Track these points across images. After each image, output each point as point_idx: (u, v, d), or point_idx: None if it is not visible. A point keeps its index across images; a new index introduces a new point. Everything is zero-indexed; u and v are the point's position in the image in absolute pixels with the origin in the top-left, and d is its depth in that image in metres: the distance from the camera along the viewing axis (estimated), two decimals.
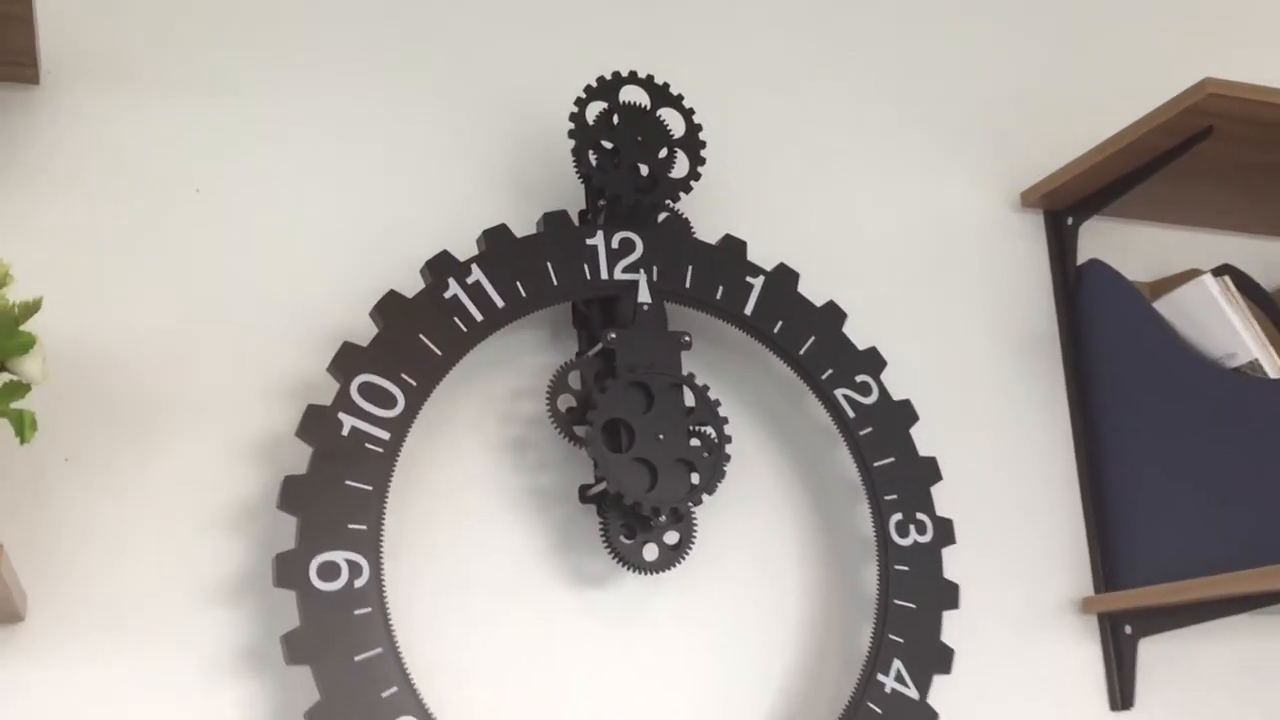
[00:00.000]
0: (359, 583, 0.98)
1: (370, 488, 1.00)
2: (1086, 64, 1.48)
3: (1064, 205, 1.40)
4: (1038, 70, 1.45)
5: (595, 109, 1.13)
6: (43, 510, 0.97)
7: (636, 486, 1.06)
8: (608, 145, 1.13)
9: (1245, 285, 1.36)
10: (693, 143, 1.16)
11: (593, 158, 1.12)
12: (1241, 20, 1.59)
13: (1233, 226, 1.48)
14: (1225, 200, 1.42)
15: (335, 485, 0.99)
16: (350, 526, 0.98)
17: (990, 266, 1.36)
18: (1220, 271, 1.36)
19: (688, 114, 1.16)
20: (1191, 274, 1.37)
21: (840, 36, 1.37)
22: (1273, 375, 1.18)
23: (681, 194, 1.14)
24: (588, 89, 1.13)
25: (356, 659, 0.96)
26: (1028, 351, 1.35)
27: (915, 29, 1.41)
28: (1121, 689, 1.26)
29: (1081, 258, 1.38)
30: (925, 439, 1.21)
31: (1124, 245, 1.43)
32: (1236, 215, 1.45)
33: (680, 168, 1.15)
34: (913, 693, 1.11)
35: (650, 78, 1.15)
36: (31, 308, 0.81)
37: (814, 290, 1.20)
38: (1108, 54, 1.50)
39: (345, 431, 1.00)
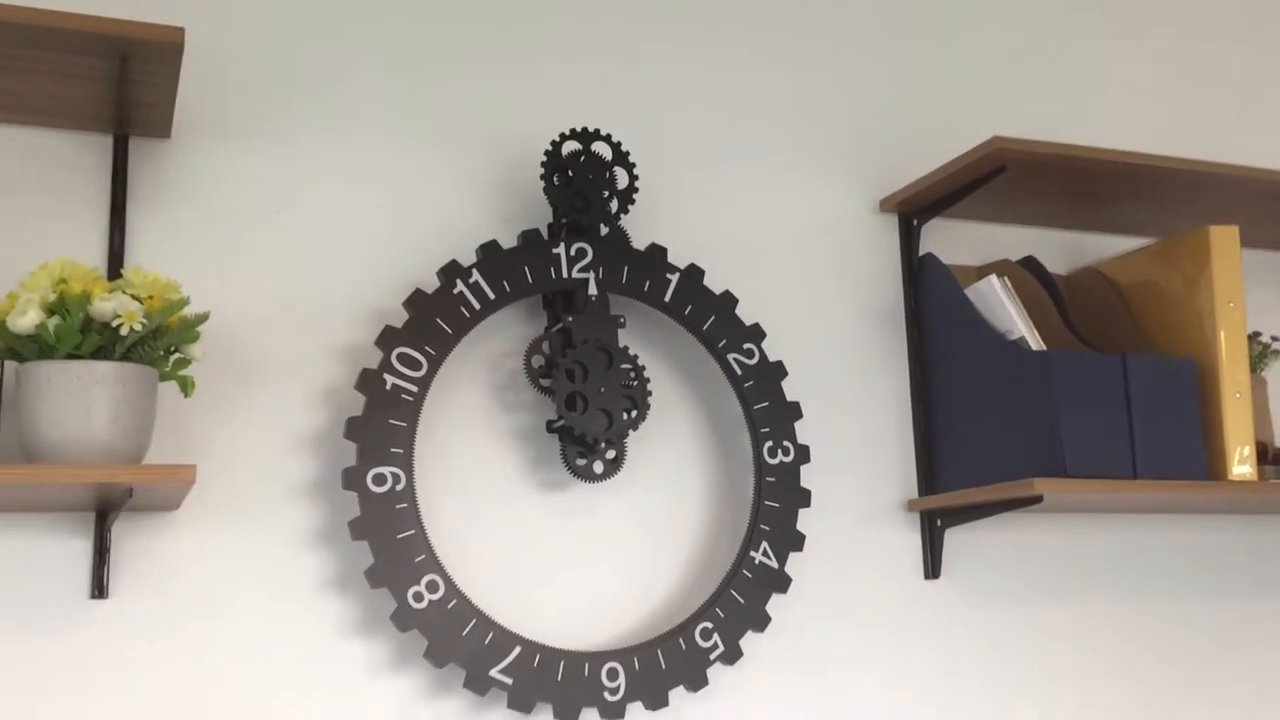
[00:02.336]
0: (399, 488, 1.46)
1: (405, 424, 1.48)
2: (930, 100, 1.93)
3: (911, 210, 1.86)
4: (894, 106, 1.90)
5: (558, 156, 1.59)
6: (183, 437, 1.45)
7: (586, 423, 1.55)
8: (568, 181, 1.59)
9: (1039, 272, 1.84)
10: (628, 178, 1.62)
11: (557, 191, 1.58)
12: (1037, 70, 2.03)
13: (1039, 223, 1.94)
14: (1032, 205, 1.88)
15: (381, 422, 1.47)
16: (393, 450, 1.47)
17: (854, 258, 1.84)
18: (1024, 263, 1.84)
19: (624, 157, 1.62)
20: (1002, 264, 1.84)
21: (740, 82, 1.82)
22: (1035, 348, 1.67)
23: (620, 216, 1.61)
24: (553, 142, 1.58)
25: (398, 537, 1.45)
26: (880, 323, 1.83)
27: (800, 75, 1.86)
28: (932, 564, 1.76)
29: (923, 251, 1.85)
30: (795, 389, 1.69)
31: (958, 240, 1.89)
32: (1040, 215, 1.92)
33: (621, 181, 1.62)
34: (774, 564, 1.62)
35: (597, 131, 1.61)
36: (202, 317, 1.28)
37: (715, 282, 1.68)
38: (946, 92, 1.95)
39: (388, 387, 1.48)
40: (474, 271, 1.55)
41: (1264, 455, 1.76)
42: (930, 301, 1.81)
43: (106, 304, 1.20)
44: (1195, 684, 1.87)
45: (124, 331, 1.21)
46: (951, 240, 1.88)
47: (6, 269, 1.41)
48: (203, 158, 1.53)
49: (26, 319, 1.19)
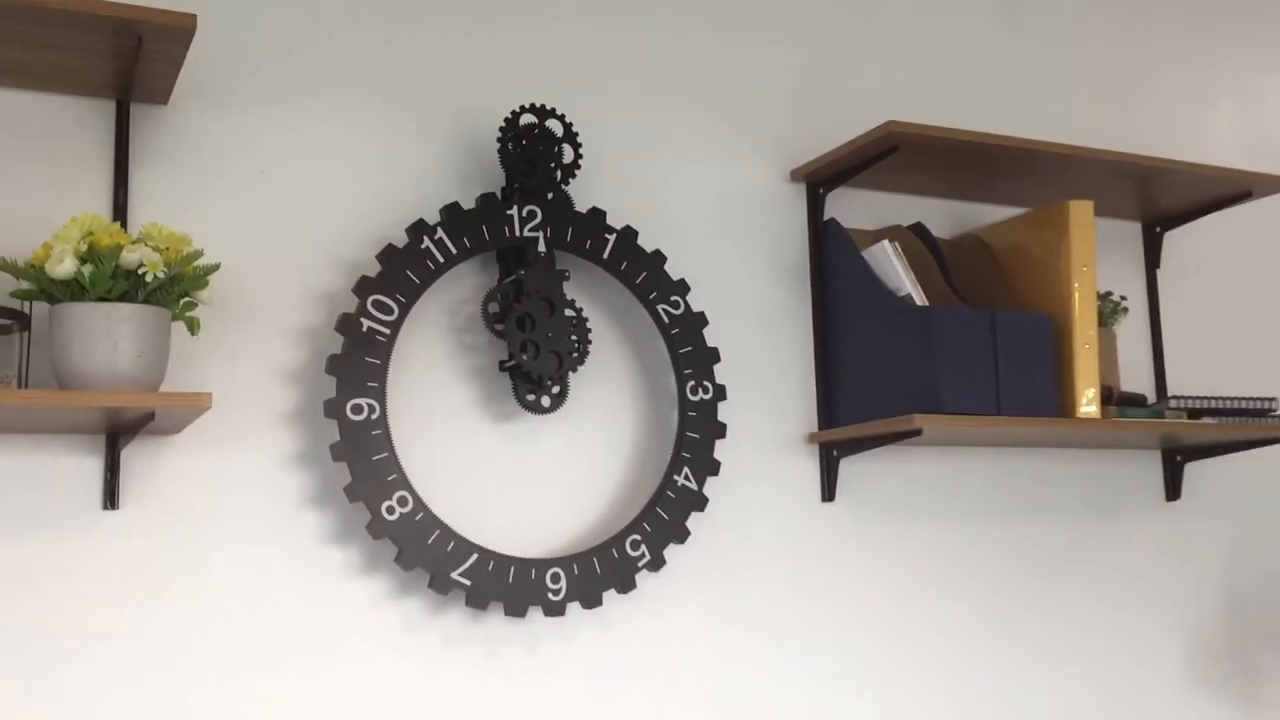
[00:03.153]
0: (374, 416, 1.69)
1: (379, 361, 1.70)
2: (837, 82, 2.18)
3: (818, 180, 2.11)
4: (806, 87, 2.15)
5: (515, 128, 1.81)
6: (185, 371, 1.65)
7: (535, 364, 1.78)
8: (521, 149, 1.82)
9: (926, 237, 2.11)
10: (573, 154, 1.85)
11: (512, 159, 1.81)
12: (932, 55, 2.30)
13: (928, 193, 2.22)
14: (922, 179, 2.15)
15: (358, 359, 1.69)
16: (368, 384, 1.69)
17: (768, 221, 2.09)
18: (914, 229, 2.12)
19: (572, 135, 1.85)
20: (894, 229, 2.11)
21: (674, 64, 2.05)
22: (919, 304, 1.94)
23: (565, 183, 1.84)
24: (510, 115, 1.81)
25: (372, 459, 1.68)
26: (788, 279, 2.09)
27: (723, 58, 2.09)
28: (828, 489, 2.04)
29: (827, 216, 2.11)
30: (714, 336, 1.95)
31: (858, 207, 2.16)
32: (929, 187, 2.19)
33: (567, 156, 1.84)
34: (694, 486, 1.88)
35: (553, 110, 1.83)
36: (212, 268, 1.48)
37: (647, 241, 1.92)
38: (851, 75, 2.20)
39: (364, 329, 1.70)
40: (438, 229, 1.77)
41: (1109, 397, 2.07)
42: (832, 261, 2.07)
43: (133, 255, 1.40)
44: (1048, 589, 2.19)
45: (148, 279, 1.41)
46: (852, 207, 2.14)
47: (20, 220, 1.59)
48: (197, 122, 1.72)
49: (64, 267, 1.38)
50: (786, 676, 1.96)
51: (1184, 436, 2.18)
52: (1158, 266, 2.39)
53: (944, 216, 2.23)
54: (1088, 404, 1.98)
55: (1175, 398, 2.14)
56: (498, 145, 1.81)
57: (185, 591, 1.63)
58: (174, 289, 1.46)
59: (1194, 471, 2.34)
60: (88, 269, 1.40)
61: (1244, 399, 2.15)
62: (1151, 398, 2.29)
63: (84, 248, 1.41)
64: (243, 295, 1.70)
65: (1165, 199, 2.30)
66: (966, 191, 2.23)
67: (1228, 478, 2.38)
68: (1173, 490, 2.33)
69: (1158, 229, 2.40)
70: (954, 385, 1.88)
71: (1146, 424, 2.05)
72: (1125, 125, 2.42)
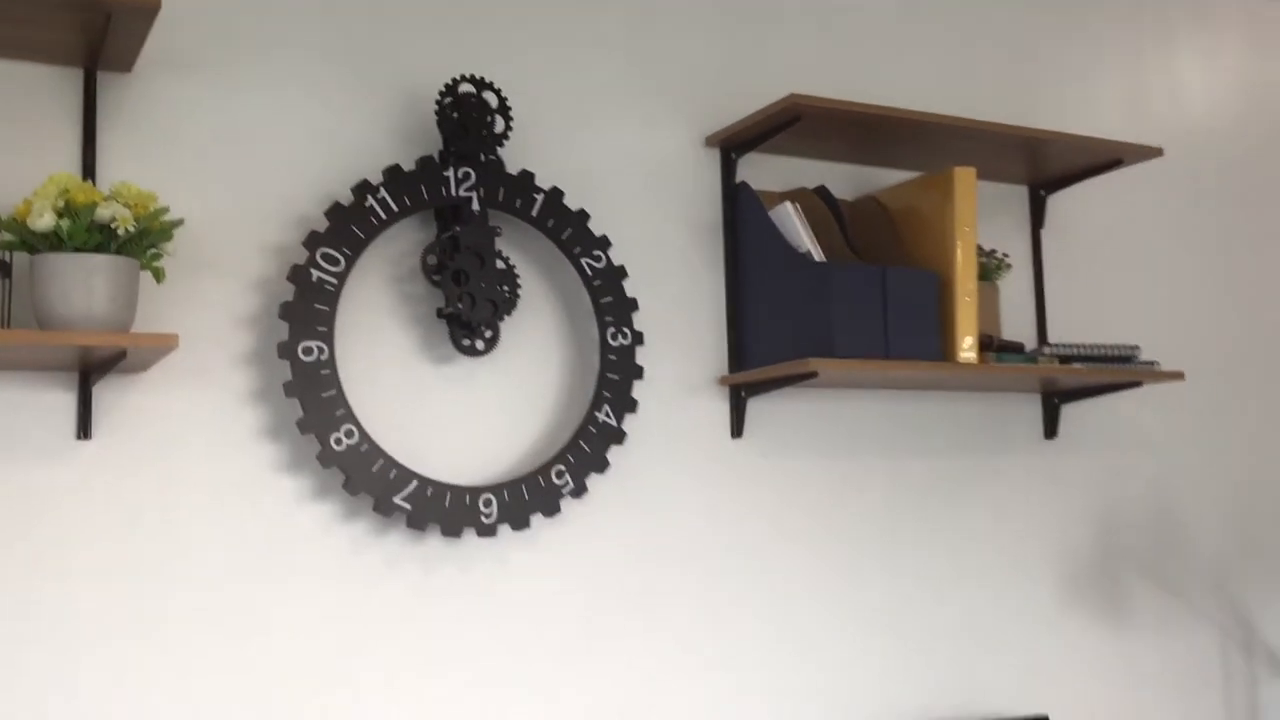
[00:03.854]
0: (323, 357, 1.88)
1: (327, 308, 1.89)
2: (749, 54, 2.38)
3: (730, 145, 2.31)
4: (720, 58, 2.34)
5: (452, 97, 1.99)
6: (151, 315, 1.82)
7: (469, 311, 1.98)
8: (457, 117, 2.00)
9: (828, 198, 2.33)
10: (504, 123, 2.04)
11: (449, 125, 1.99)
12: (838, 30, 2.50)
13: (831, 158, 2.42)
14: (824, 145, 2.35)
15: (308, 306, 1.88)
16: (318, 328, 1.88)
17: (684, 183, 2.29)
18: (817, 191, 2.33)
19: (505, 106, 2.03)
20: (799, 191, 2.32)
21: (599, 36, 2.23)
22: (817, 260, 2.16)
23: (498, 146, 2.03)
24: (448, 84, 1.99)
25: (322, 395, 1.87)
26: (702, 236, 2.29)
27: (644, 31, 2.28)
28: (737, 426, 2.26)
29: (739, 179, 2.31)
30: (633, 287, 2.15)
31: (767, 170, 2.36)
32: (831, 152, 2.39)
33: (498, 125, 2.03)
34: (614, 422, 2.09)
35: (491, 83, 2.01)
36: (177, 223, 1.66)
37: (572, 201, 2.12)
38: (763, 48, 2.40)
39: (313, 279, 1.89)
40: (380, 189, 1.95)
41: (988, 344, 2.30)
42: (742, 220, 2.28)
43: (106, 210, 1.58)
44: (936, 518, 2.44)
45: (120, 232, 1.59)
46: (762, 171, 2.35)
47: None
48: (159, 89, 1.88)
49: (44, 220, 1.55)
50: (697, 593, 2.19)
51: (1059, 380, 2.43)
52: (1041, 226, 2.63)
53: (846, 179, 2.44)
54: (967, 350, 2.21)
55: (1050, 345, 2.38)
56: (436, 112, 1.99)
57: (153, 514, 1.82)
58: (142, 242, 1.64)
59: (1069, 412, 2.60)
60: (65, 223, 1.57)
61: (1111, 346, 2.39)
62: (1032, 346, 2.53)
63: (61, 204, 1.58)
64: (202, 248, 1.87)
65: (1048, 165, 2.52)
66: (866, 157, 2.44)
67: (1099, 418, 2.63)
68: (1050, 429, 2.58)
69: (1041, 192, 2.63)
70: (846, 332, 2.11)
71: (1019, 368, 2.29)
72: (1014, 97, 2.64)
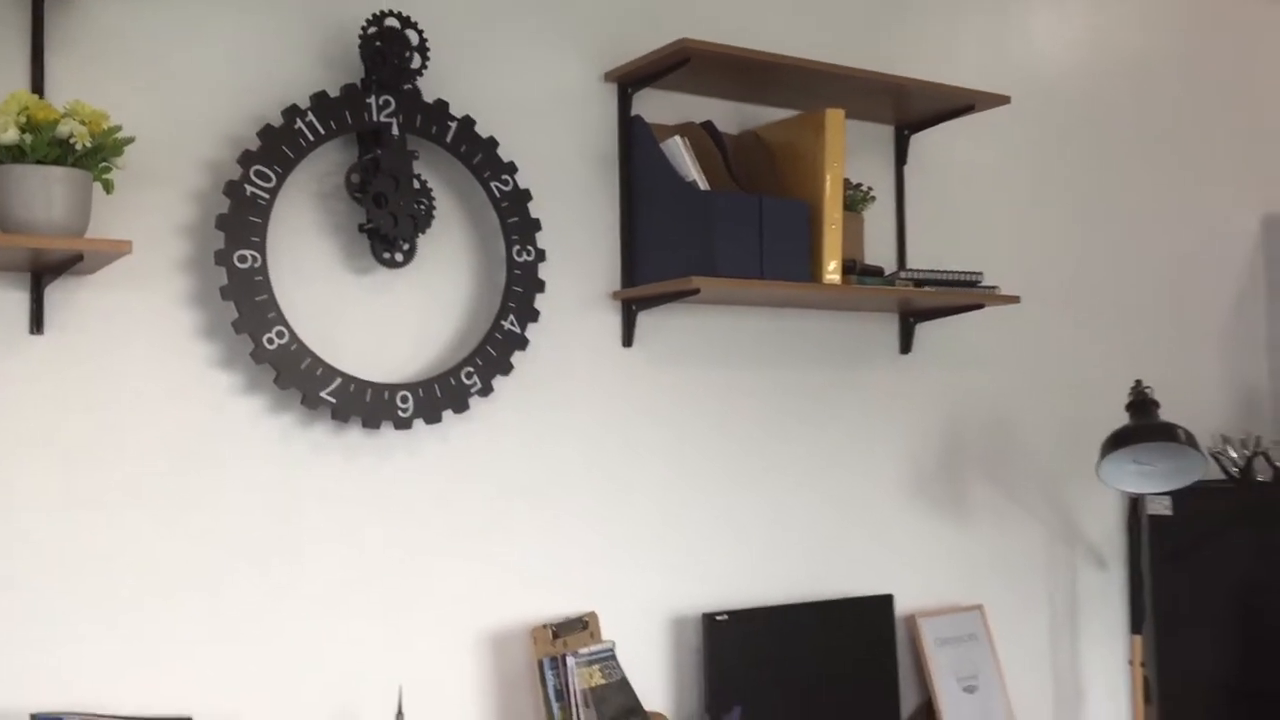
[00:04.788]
0: (256, 265, 2.08)
1: (260, 220, 2.09)
2: (648, 2, 2.60)
3: (627, 81, 2.54)
4: (621, 4, 2.56)
5: (376, 29, 2.18)
6: (101, 223, 2.00)
7: (389, 227, 2.19)
8: (379, 47, 2.19)
9: (713, 132, 2.58)
10: (421, 60, 2.24)
11: (371, 56, 2.18)
12: None
13: (718, 96, 2.67)
14: (712, 84, 2.60)
15: (243, 218, 2.08)
16: (252, 238, 2.08)
17: (585, 115, 2.52)
18: (704, 126, 2.58)
19: (423, 42, 2.23)
20: (688, 126, 2.57)
21: None
22: (702, 189, 2.42)
23: (417, 76, 2.23)
24: (371, 16, 2.18)
25: (255, 299, 2.08)
26: (600, 164, 2.53)
27: None
28: (627, 337, 2.53)
29: (634, 113, 2.55)
30: (537, 209, 2.39)
31: (660, 105, 2.59)
32: (719, 90, 2.64)
33: (415, 62, 2.23)
34: (518, 330, 2.34)
35: (412, 20, 2.21)
36: (129, 140, 1.84)
37: (483, 129, 2.34)
38: None
39: (247, 193, 2.08)
40: (308, 113, 2.15)
41: (851, 268, 2.59)
42: (636, 151, 2.52)
43: (66, 126, 1.75)
44: (803, 423, 2.75)
45: (77, 147, 1.77)
46: (655, 105, 2.58)
47: None
48: (102, 14, 2.04)
49: (8, 135, 1.73)
50: (588, 484, 2.47)
51: (913, 301, 2.74)
52: (904, 163, 2.92)
53: (730, 116, 2.69)
54: (832, 273, 2.50)
55: (906, 270, 2.69)
56: (360, 42, 2.18)
57: (99, 403, 2.02)
58: (96, 156, 1.82)
59: (922, 331, 2.92)
60: (28, 138, 1.74)
61: (959, 272, 2.71)
62: (891, 270, 2.83)
63: (23, 119, 1.75)
64: (144, 163, 2.05)
65: (911, 108, 2.81)
66: (749, 96, 2.69)
67: (948, 336, 2.97)
68: (905, 345, 2.91)
69: (905, 132, 2.92)
70: (726, 254, 2.37)
71: (878, 290, 2.59)
72: (883, 45, 2.91)
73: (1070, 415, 3.15)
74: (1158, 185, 3.41)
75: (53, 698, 1.94)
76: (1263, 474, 3.05)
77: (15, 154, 1.76)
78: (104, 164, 1.86)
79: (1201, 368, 3.45)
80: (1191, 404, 3.32)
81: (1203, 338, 3.47)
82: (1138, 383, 2.77)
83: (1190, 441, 2.63)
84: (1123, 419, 2.77)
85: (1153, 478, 2.75)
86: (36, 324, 1.96)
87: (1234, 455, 3.06)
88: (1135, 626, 2.89)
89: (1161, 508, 3.12)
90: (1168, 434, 2.62)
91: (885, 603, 2.75)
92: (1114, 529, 3.20)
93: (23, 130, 1.75)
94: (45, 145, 1.75)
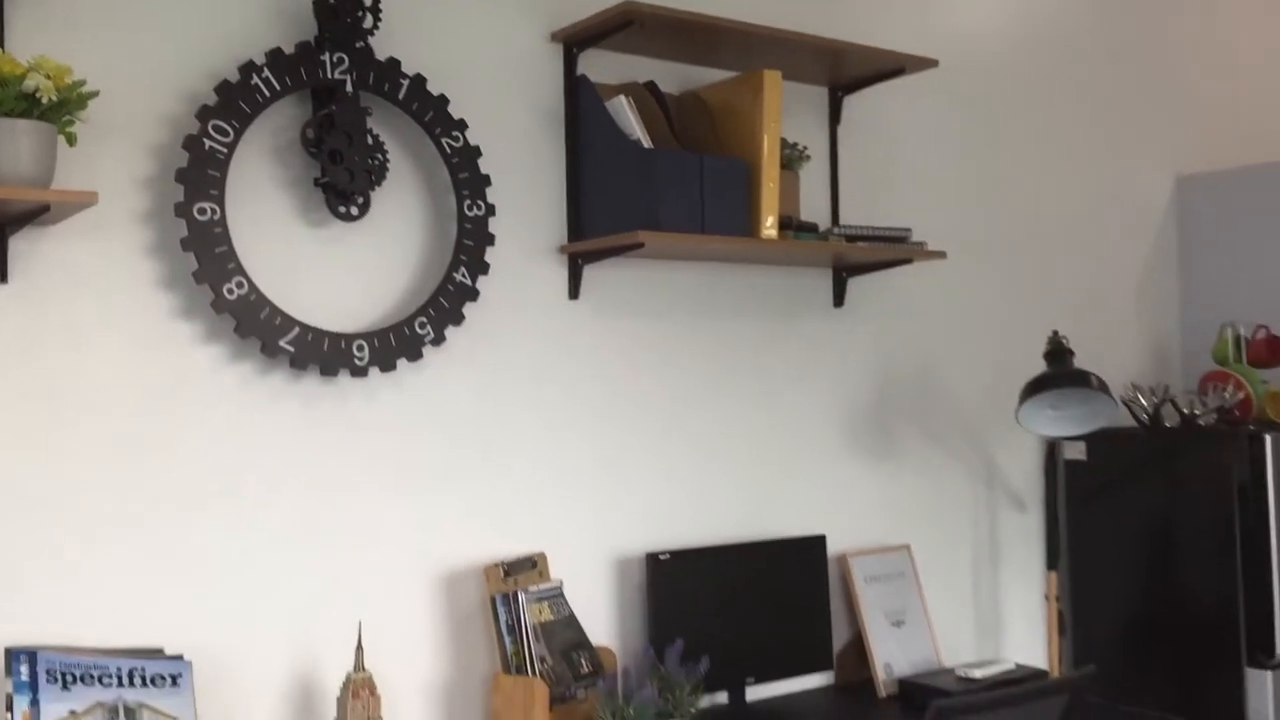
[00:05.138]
0: (216, 217, 2.15)
1: (218, 174, 2.15)
2: None
3: (573, 42, 2.62)
4: None
5: None
6: (63, 176, 2.05)
7: (344, 181, 2.27)
8: (332, 4, 2.26)
9: (656, 93, 2.68)
10: (373, 20, 2.30)
11: (325, 14, 2.24)
12: None
13: (662, 57, 2.76)
14: (656, 45, 2.69)
15: (202, 171, 2.14)
16: (211, 191, 2.14)
17: (532, 74, 2.60)
18: (647, 86, 2.67)
19: (376, 3, 2.29)
20: (631, 85, 2.66)
21: None
22: (645, 146, 2.52)
23: (369, 35, 2.30)
24: None
25: (215, 250, 2.15)
26: (547, 121, 2.61)
27: None
28: (574, 289, 2.63)
29: (580, 72, 2.64)
30: (487, 165, 2.47)
31: (605, 65, 2.68)
32: (662, 51, 2.74)
33: (368, 21, 2.30)
34: (469, 282, 2.43)
35: None
36: (92, 94, 1.89)
37: (434, 86, 2.41)
38: None
39: (206, 147, 2.14)
40: (264, 69, 2.21)
41: (787, 224, 2.71)
42: (582, 109, 2.61)
43: (32, 81, 1.80)
44: (742, 371, 2.88)
45: (43, 100, 1.82)
46: (600, 65, 2.67)
47: None
48: None
49: None
50: (537, 430, 2.58)
51: (846, 256, 2.88)
52: (839, 124, 3.04)
53: (673, 76, 2.79)
54: (769, 228, 2.62)
55: (840, 226, 2.82)
56: (313, 1, 2.24)
57: (62, 349, 2.08)
58: (61, 110, 1.87)
59: (855, 284, 3.06)
60: None
61: (889, 229, 2.84)
62: (826, 227, 2.96)
63: None
64: (104, 117, 2.10)
65: (845, 71, 2.93)
66: (691, 57, 2.79)
67: (879, 289, 3.11)
68: (839, 299, 3.04)
69: (839, 93, 3.04)
70: (668, 210, 2.48)
71: (812, 245, 2.72)
72: (820, 10, 3.02)
73: (993, 365, 3.32)
74: (1077, 147, 3.57)
75: (27, 631, 2.01)
76: (1170, 420, 3.25)
77: None
78: (68, 117, 1.91)
79: (1117, 321, 3.64)
80: (1107, 355, 3.52)
81: (1119, 292, 3.65)
82: (1055, 333, 2.93)
83: (1102, 387, 2.80)
84: (1041, 368, 2.94)
85: (1068, 422, 2.92)
86: (1, 273, 2.01)
87: (1144, 403, 3.24)
88: (1051, 563, 3.07)
89: (1077, 453, 3.31)
90: (1081, 380, 2.79)
91: (818, 543, 2.89)
92: (1033, 473, 3.39)
93: None
94: (12, 99, 1.80)
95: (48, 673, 1.89)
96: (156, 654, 1.98)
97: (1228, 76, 4.01)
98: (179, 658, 1.98)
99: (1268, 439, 3.02)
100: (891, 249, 2.84)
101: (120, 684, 1.91)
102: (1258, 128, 4.06)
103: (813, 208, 2.98)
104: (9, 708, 1.87)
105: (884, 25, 3.13)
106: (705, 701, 2.62)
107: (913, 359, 3.19)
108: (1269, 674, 2.99)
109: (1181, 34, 3.89)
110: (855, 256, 2.88)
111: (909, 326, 3.18)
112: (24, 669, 1.88)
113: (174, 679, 1.94)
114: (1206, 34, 3.97)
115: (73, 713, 1.89)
